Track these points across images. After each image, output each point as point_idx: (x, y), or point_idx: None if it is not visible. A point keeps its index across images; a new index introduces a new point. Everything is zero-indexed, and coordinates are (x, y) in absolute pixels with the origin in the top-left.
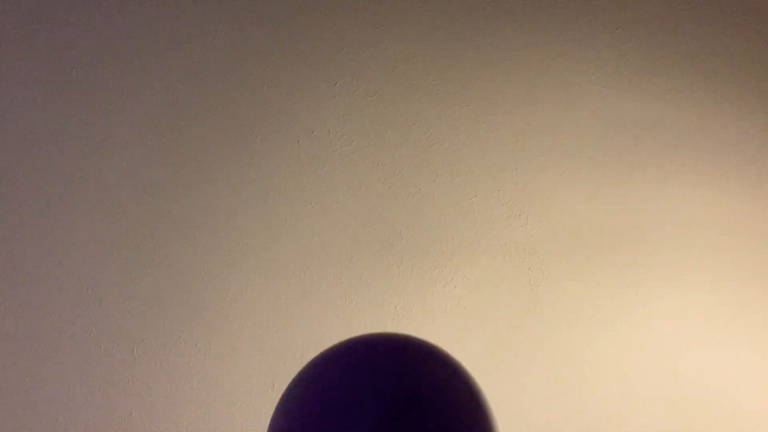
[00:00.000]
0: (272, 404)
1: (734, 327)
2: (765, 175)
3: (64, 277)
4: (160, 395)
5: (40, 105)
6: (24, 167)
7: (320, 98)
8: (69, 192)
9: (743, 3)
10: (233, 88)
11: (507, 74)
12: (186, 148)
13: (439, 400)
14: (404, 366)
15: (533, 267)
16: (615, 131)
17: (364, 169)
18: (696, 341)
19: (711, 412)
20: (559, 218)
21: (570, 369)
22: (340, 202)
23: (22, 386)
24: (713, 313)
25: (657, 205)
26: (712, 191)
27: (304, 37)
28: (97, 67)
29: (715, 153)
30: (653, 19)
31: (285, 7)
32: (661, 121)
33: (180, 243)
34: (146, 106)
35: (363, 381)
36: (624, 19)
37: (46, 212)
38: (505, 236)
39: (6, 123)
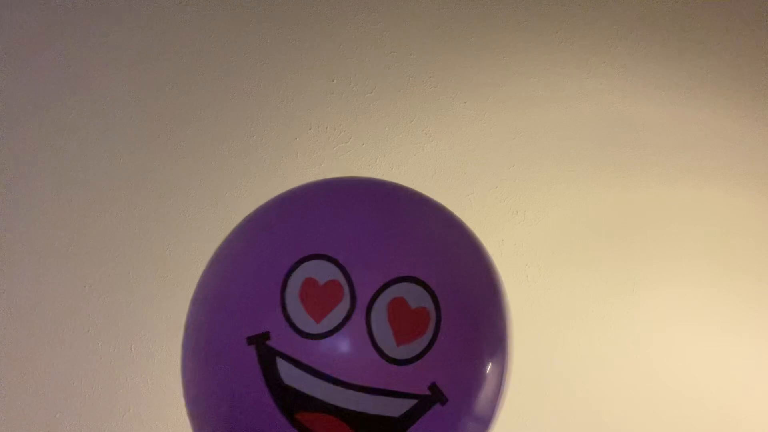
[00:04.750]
0: None
1: (732, 324)
2: (764, 173)
3: (62, 275)
4: (158, 392)
5: (39, 103)
6: (22, 165)
7: (317, 95)
8: (67, 189)
9: (742, 2)
10: (231, 86)
11: (504, 72)
12: (184, 145)
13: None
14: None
15: (530, 263)
16: (612, 129)
17: (361, 165)
18: (693, 338)
19: (709, 410)
20: (555, 215)
21: (566, 365)
22: None
23: (20, 384)
24: (711, 310)
25: (654, 202)
26: (710, 188)
27: (301, 34)
28: (97, 65)
29: (713, 151)
30: (651, 17)
31: (282, 5)
32: (659, 120)
33: (178, 240)
34: (143, 103)
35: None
36: (622, 17)
37: (42, 209)
38: (502, 233)
39: (4, 123)
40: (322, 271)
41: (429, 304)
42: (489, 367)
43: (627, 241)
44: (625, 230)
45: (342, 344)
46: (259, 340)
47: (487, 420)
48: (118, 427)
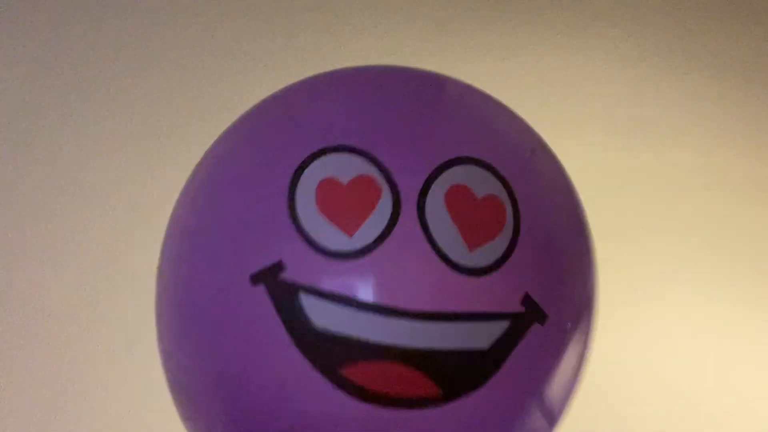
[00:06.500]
0: None
1: (733, 326)
2: (764, 174)
3: (61, 276)
4: (159, 392)
5: (34, 99)
6: (19, 165)
7: None
8: (66, 190)
9: (744, 2)
10: (230, 89)
11: (505, 74)
12: (184, 148)
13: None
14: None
15: None
16: (613, 129)
17: None
18: (694, 340)
19: (708, 413)
20: None
21: None
22: None
23: (18, 385)
24: (713, 311)
25: (656, 203)
26: (712, 189)
27: (300, 38)
28: (96, 66)
29: (715, 151)
30: (651, 17)
31: (282, 9)
32: (660, 119)
33: None
34: (141, 104)
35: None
36: (621, 21)
37: (42, 210)
38: None
39: (4, 122)
40: (344, 167)
41: (500, 191)
42: (583, 273)
43: (628, 243)
44: (626, 231)
45: (393, 259)
46: (269, 276)
47: (587, 341)
48: (118, 427)
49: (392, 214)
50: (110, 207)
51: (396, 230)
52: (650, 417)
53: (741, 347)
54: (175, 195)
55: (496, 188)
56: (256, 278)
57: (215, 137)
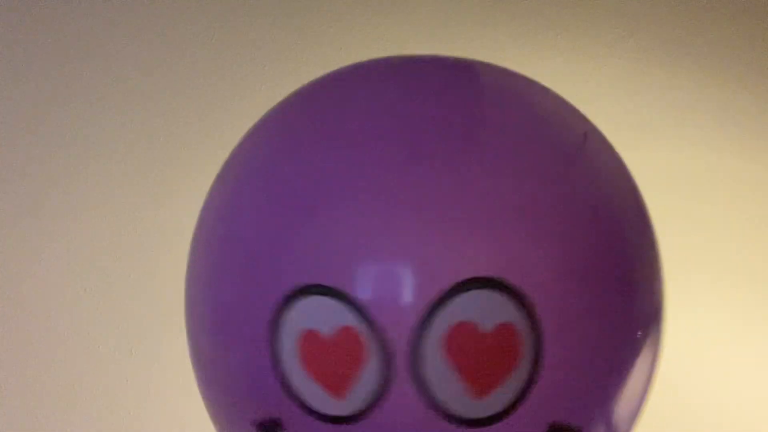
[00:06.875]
0: None
1: (733, 326)
2: (765, 175)
3: (61, 278)
4: (159, 394)
5: (33, 99)
6: (21, 165)
7: None
8: (65, 189)
9: (746, 3)
10: (230, 90)
11: None
12: (185, 151)
13: None
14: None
15: None
16: (613, 129)
17: None
18: (694, 340)
19: (708, 413)
20: None
21: None
22: None
23: (17, 387)
24: (713, 311)
25: (655, 202)
26: (712, 188)
27: (300, 39)
28: (95, 65)
29: (715, 151)
30: (651, 17)
31: (282, 10)
32: (660, 119)
33: (178, 243)
34: (141, 104)
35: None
36: (621, 22)
37: (40, 209)
38: None
39: (4, 122)
40: (324, 315)
41: (517, 317)
42: (636, 384)
43: None
44: None
45: (389, 422)
46: (270, 428)
47: None
48: (118, 430)
49: (382, 373)
50: (110, 207)
51: (390, 391)
52: (649, 417)
53: (741, 347)
54: (174, 195)
55: (511, 314)
56: (259, 428)
57: (213, 136)
